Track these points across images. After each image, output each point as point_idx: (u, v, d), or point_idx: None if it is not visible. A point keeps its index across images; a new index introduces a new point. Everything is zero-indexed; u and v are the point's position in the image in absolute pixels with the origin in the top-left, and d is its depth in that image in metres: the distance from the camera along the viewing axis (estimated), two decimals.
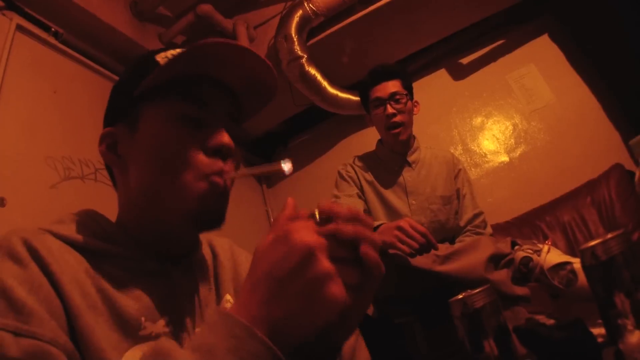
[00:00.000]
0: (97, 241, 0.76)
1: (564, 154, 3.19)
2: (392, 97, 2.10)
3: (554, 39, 3.39)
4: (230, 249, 1.00)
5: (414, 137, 2.25)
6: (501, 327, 0.79)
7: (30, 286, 0.63)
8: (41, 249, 0.67)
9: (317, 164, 4.00)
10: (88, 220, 0.79)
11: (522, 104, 3.43)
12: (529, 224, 2.81)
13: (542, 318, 1.18)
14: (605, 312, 0.70)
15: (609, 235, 0.71)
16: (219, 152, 0.78)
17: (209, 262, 0.92)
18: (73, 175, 1.98)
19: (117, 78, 2.49)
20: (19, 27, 1.96)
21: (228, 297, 0.89)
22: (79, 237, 0.74)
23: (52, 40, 2.14)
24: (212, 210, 0.78)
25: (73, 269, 0.69)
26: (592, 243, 0.72)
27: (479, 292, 0.79)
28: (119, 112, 0.84)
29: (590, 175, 2.83)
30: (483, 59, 3.58)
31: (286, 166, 0.75)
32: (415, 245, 1.61)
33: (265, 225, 3.79)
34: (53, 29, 2.14)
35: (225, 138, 0.78)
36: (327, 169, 3.70)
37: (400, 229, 1.64)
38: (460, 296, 0.81)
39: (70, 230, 0.75)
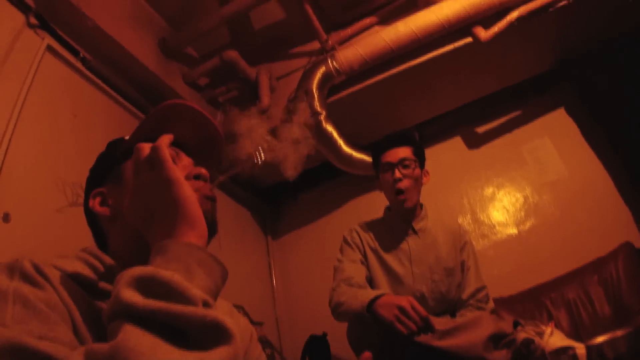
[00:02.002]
0: (97, 280, 0.82)
1: (573, 229, 3.14)
2: (401, 162, 2.13)
3: (570, 112, 3.42)
4: (230, 311, 1.13)
5: (422, 205, 2.27)
6: None
7: (48, 304, 0.68)
8: (50, 276, 0.73)
9: (325, 221, 3.96)
10: (90, 258, 0.86)
11: (534, 177, 3.41)
12: (534, 300, 2.74)
13: None
14: None
15: (619, 333, 0.69)
16: (199, 178, 0.93)
17: None
18: (81, 202, 1.97)
19: (137, 110, 2.54)
20: (49, 48, 2.01)
21: None
22: (80, 274, 0.80)
23: (79, 65, 2.18)
24: (212, 219, 0.90)
25: (75, 298, 0.74)
26: (600, 339, 0.69)
27: None
28: (104, 175, 1.00)
29: (599, 252, 2.77)
30: (498, 129, 3.61)
31: (258, 155, 0.96)
32: (414, 327, 1.61)
33: (266, 276, 3.73)
34: (81, 54, 2.18)
35: (201, 168, 0.95)
36: (334, 226, 3.70)
37: (401, 309, 1.64)
38: None
39: (73, 266, 0.81)
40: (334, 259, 2.20)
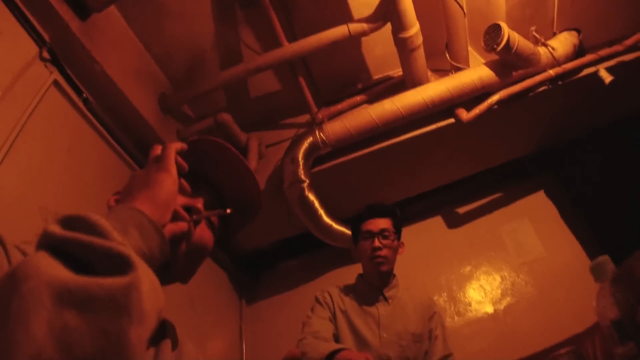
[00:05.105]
0: None
1: (550, 310, 3.17)
2: (382, 232, 2.22)
3: (549, 195, 3.57)
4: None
5: (394, 275, 2.33)
6: None
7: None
8: (11, 254, 0.70)
9: (300, 291, 3.93)
10: None
11: (512, 257, 3.49)
12: None
13: None
14: None
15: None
16: (188, 211, 0.94)
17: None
18: None
19: (128, 157, 2.58)
20: (55, 83, 2.09)
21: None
22: None
23: (80, 104, 2.26)
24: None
25: None
26: None
27: None
28: None
29: (575, 332, 2.77)
30: (478, 210, 3.74)
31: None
32: None
33: (236, 340, 3.66)
34: (84, 95, 2.27)
35: (198, 201, 0.99)
36: (309, 297, 3.60)
37: None
38: None
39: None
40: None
